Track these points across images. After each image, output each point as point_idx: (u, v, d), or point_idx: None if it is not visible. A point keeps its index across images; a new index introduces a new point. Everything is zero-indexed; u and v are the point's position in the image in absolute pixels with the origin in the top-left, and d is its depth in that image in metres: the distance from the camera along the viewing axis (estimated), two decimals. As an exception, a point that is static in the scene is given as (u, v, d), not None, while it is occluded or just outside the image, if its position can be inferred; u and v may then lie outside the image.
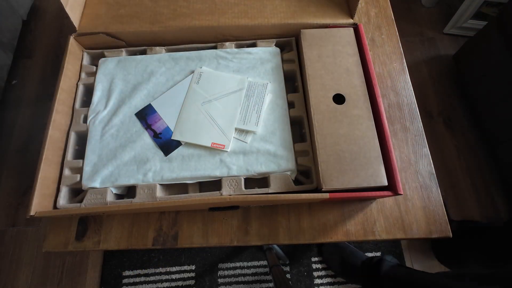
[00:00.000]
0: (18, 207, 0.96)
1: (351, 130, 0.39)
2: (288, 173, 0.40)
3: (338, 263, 0.86)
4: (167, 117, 0.43)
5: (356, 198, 0.42)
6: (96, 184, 0.39)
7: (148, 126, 0.42)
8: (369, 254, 0.88)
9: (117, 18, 0.47)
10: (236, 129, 0.42)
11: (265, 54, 0.47)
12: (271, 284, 0.88)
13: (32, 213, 0.35)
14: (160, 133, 0.42)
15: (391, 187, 0.37)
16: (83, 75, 0.46)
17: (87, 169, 0.40)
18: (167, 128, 0.42)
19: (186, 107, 0.43)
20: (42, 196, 0.37)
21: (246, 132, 0.42)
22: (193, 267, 0.90)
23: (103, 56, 0.48)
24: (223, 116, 0.42)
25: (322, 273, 0.89)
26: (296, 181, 0.40)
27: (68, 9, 0.43)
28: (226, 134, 0.41)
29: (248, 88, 0.44)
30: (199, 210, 0.43)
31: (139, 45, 0.49)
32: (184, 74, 0.46)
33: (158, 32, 0.46)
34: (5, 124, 1.06)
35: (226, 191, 0.39)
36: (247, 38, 0.49)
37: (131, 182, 0.39)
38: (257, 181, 0.41)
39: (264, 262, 0.90)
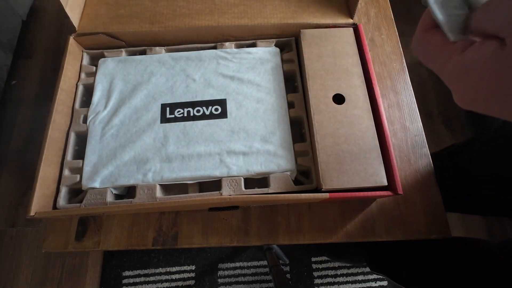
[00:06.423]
0: (18, 207, 0.96)
1: (351, 130, 0.39)
2: (288, 173, 0.40)
3: (337, 249, 0.86)
4: None
5: (356, 198, 0.41)
6: (96, 184, 0.39)
7: None
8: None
9: (116, 18, 0.47)
10: None
11: (265, 54, 0.47)
12: (271, 284, 0.88)
13: (32, 213, 0.35)
14: None
15: (391, 187, 0.37)
16: (82, 75, 0.46)
17: (87, 169, 0.40)
18: None
19: None
20: (41, 197, 0.37)
21: None
22: (193, 267, 0.90)
23: (103, 56, 0.48)
24: None
25: (322, 273, 0.89)
26: (296, 181, 0.40)
27: (67, 9, 0.43)
28: None
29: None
30: (199, 210, 0.43)
31: (139, 45, 0.49)
32: (184, 74, 0.46)
33: (158, 32, 0.46)
34: (5, 124, 1.06)
35: (226, 191, 0.39)
36: (247, 38, 0.49)
37: (131, 182, 0.39)
38: (257, 181, 0.41)
39: (264, 262, 0.90)
